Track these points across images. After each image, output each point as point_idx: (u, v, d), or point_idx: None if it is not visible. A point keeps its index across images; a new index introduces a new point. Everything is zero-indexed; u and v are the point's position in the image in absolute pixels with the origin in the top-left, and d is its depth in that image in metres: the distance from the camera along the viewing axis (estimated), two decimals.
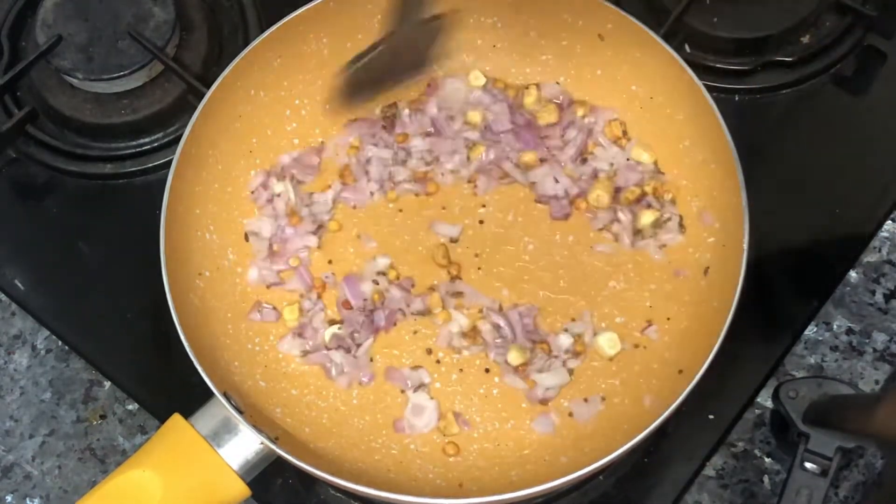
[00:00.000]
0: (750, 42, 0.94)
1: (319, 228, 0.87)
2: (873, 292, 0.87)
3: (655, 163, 0.87)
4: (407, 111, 0.90)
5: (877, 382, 0.84)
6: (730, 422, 0.82)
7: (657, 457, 0.81)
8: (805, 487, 0.73)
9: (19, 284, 0.91)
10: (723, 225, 0.81)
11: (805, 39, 0.96)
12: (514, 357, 0.81)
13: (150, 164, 0.95)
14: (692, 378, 0.71)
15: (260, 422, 0.74)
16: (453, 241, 0.86)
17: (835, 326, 0.86)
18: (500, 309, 0.83)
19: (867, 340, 0.85)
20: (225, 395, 0.72)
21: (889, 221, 0.90)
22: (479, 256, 0.85)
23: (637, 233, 0.85)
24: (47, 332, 0.91)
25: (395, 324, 0.83)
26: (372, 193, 0.88)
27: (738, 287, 0.73)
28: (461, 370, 0.82)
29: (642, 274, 0.84)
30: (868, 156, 0.92)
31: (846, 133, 0.93)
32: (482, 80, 0.91)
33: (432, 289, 0.84)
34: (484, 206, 0.87)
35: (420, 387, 0.81)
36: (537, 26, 0.90)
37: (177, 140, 0.83)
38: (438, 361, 0.82)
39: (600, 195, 0.85)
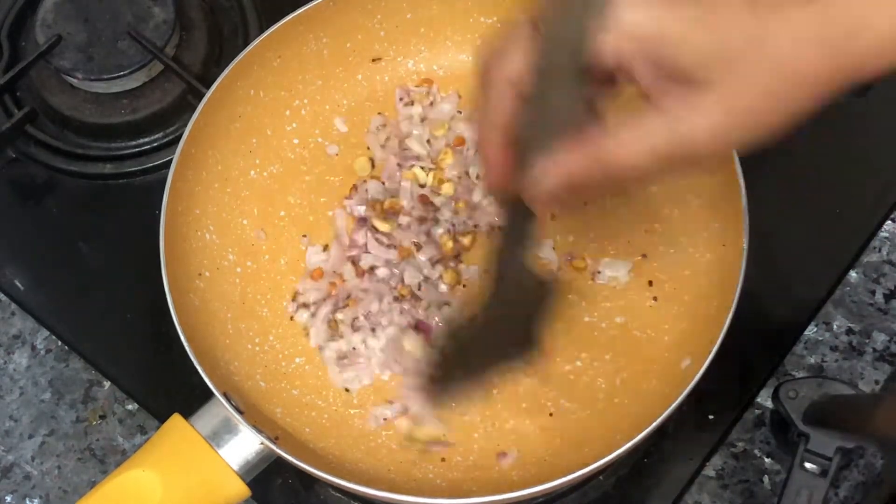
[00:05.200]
0: None
1: None
2: (873, 292, 0.87)
3: None
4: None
5: (877, 382, 0.84)
6: (730, 422, 0.82)
7: (657, 457, 0.81)
8: (805, 487, 0.73)
9: (19, 284, 0.91)
10: (723, 225, 0.81)
11: None
12: None
13: (150, 164, 0.95)
14: (692, 378, 0.71)
15: (260, 422, 0.74)
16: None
17: (835, 326, 0.86)
18: None
19: (867, 340, 0.85)
20: (225, 395, 0.72)
21: (889, 221, 0.90)
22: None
23: None
24: (47, 332, 0.91)
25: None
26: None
27: (738, 287, 0.73)
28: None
29: None
30: (868, 156, 0.92)
31: (846, 133, 0.93)
32: None
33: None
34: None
35: None
36: None
37: (177, 140, 0.83)
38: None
39: None
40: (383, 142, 0.90)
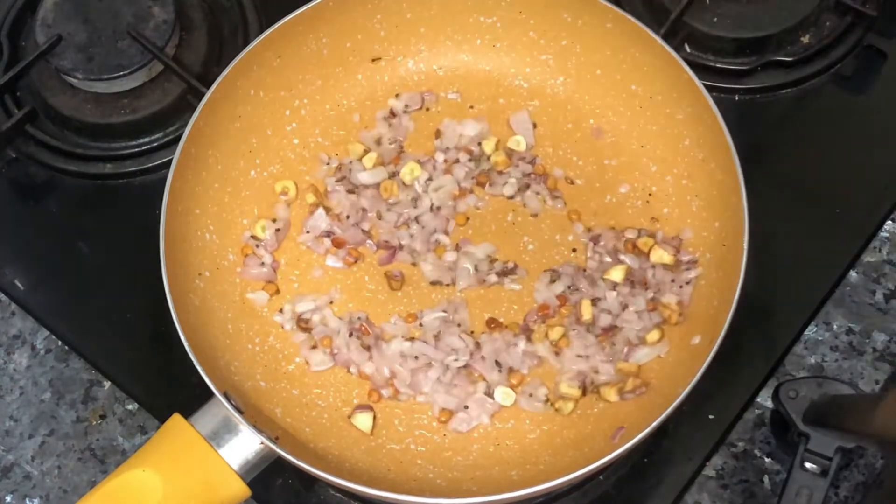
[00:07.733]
0: (750, 42, 0.94)
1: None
2: (873, 292, 0.87)
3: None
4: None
5: (877, 382, 0.84)
6: (730, 422, 0.82)
7: (657, 457, 0.81)
8: (805, 487, 0.73)
9: (19, 284, 0.91)
10: (723, 225, 0.81)
11: (805, 39, 0.96)
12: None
13: (150, 164, 0.95)
14: (692, 378, 0.71)
15: (260, 422, 0.74)
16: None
17: (835, 326, 0.86)
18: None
19: (867, 340, 0.85)
20: (225, 395, 0.72)
21: (889, 221, 0.90)
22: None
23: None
24: (47, 332, 0.91)
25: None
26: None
27: (738, 287, 0.73)
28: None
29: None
30: (868, 156, 0.92)
31: (846, 133, 0.93)
32: None
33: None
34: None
35: None
36: (537, 26, 0.90)
37: (177, 140, 0.83)
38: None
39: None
40: (378, 139, 0.90)
